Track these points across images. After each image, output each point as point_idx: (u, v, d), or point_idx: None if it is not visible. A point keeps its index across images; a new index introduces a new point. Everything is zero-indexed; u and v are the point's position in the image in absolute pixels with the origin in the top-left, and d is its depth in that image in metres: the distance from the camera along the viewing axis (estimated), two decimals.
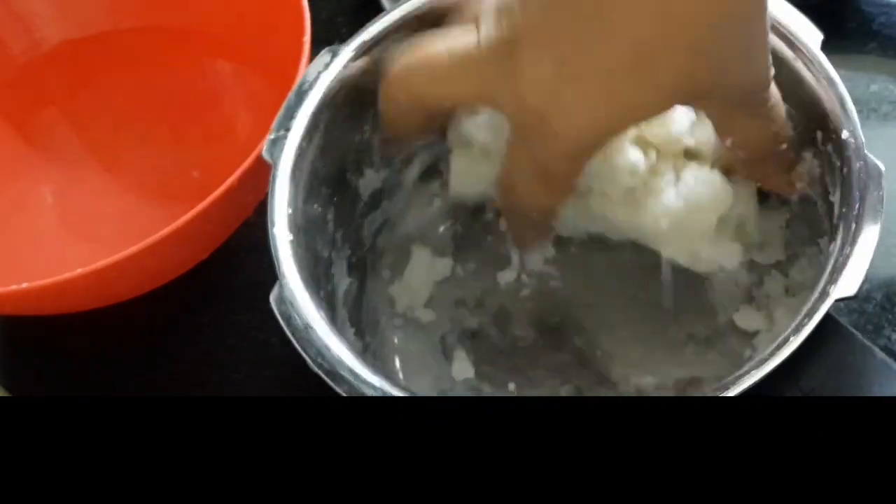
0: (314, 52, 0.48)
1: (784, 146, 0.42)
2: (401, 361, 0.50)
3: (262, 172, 0.48)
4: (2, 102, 0.60)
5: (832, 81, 0.42)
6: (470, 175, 0.46)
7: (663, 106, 0.39)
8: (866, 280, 0.37)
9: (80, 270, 0.44)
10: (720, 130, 0.42)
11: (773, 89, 0.40)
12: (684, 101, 0.40)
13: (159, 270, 0.49)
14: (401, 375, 0.49)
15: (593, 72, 0.37)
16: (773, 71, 0.39)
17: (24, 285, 0.44)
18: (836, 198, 0.41)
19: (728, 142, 0.42)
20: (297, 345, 0.39)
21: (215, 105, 0.60)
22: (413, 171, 0.50)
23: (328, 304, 0.44)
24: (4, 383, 0.52)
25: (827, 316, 0.37)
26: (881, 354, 0.37)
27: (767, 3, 0.37)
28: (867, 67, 0.41)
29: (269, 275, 0.54)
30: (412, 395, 0.38)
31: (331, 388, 0.38)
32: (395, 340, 0.50)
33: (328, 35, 0.47)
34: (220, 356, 0.52)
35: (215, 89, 0.61)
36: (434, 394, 0.48)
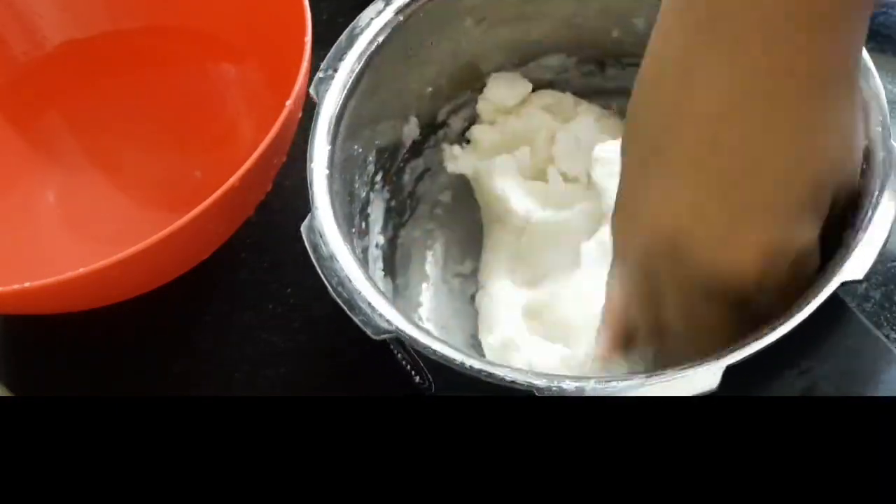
0: (315, 52, 0.48)
1: None
2: (429, 308, 0.50)
3: (263, 173, 0.49)
4: (4, 102, 0.60)
5: (869, 73, 0.42)
6: None
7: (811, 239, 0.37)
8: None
9: (81, 270, 0.44)
10: None
11: None
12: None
13: (161, 270, 0.49)
14: (425, 321, 0.50)
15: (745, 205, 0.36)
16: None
17: (26, 284, 0.44)
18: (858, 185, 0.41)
19: None
20: (320, 272, 0.40)
21: (217, 104, 0.61)
22: (457, 123, 0.52)
23: (360, 240, 0.46)
24: (5, 382, 0.52)
25: (835, 298, 0.37)
26: (882, 338, 0.37)
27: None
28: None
29: (271, 274, 0.54)
30: (411, 395, 0.38)
31: (336, 387, 0.38)
32: (423, 287, 0.51)
33: (329, 35, 0.47)
34: (221, 355, 0.52)
35: (217, 89, 0.61)
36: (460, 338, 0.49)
